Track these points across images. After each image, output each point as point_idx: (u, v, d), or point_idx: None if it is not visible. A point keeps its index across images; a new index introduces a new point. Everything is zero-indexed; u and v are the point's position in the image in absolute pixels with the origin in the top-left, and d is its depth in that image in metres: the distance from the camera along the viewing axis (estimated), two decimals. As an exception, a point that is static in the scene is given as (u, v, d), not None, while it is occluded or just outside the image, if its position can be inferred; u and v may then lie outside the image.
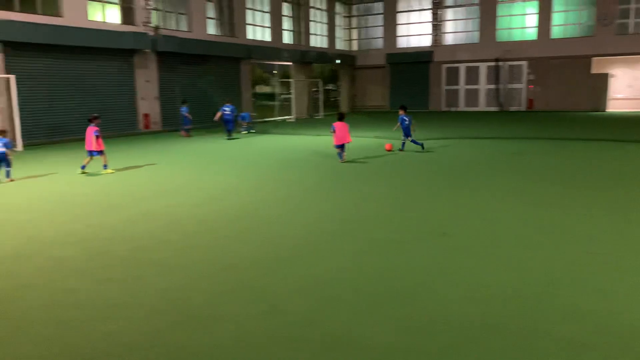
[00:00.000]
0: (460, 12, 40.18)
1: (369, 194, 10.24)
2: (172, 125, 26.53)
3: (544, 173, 12.15)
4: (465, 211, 8.63)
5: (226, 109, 22.02)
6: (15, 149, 18.45)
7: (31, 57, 20.76)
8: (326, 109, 37.25)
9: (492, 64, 38.55)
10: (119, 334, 4.47)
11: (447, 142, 18.92)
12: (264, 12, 33.87)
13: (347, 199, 9.83)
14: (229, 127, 22.05)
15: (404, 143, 16.68)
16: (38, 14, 20.93)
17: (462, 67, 39.82)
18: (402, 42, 42.33)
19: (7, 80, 19.20)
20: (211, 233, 7.57)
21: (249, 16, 32.53)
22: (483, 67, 39.14)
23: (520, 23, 38.07)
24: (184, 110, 22.96)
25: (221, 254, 6.62)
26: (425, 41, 41.33)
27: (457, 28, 40.39)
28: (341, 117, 14.63)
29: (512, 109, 38.30)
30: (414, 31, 41.82)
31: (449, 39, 40.74)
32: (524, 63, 37.77)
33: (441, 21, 40.52)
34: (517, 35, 38.10)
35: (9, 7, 20.03)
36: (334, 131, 14.26)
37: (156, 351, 4.18)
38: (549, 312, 4.75)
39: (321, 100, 37.11)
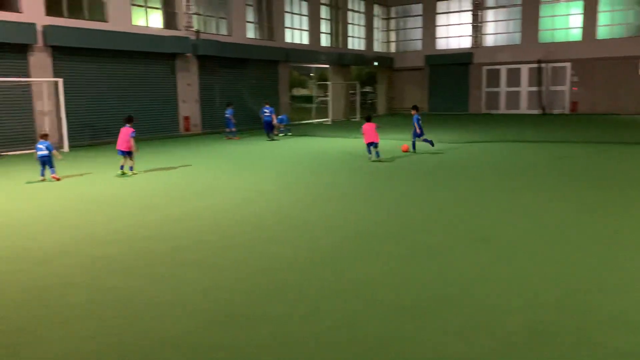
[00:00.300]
0: (501, 13, 39.43)
1: (409, 196, 10.12)
2: (211, 127, 26.96)
3: (590, 178, 11.77)
4: (510, 215, 8.43)
5: (266, 110, 22.53)
6: (61, 150, 19.12)
7: (78, 61, 21.44)
8: (363, 112, 37.14)
9: (534, 65, 37.64)
10: (160, 332, 4.53)
11: (488, 145, 18.56)
12: (302, 15, 34.05)
13: (386, 201, 9.74)
14: (268, 128, 22.49)
15: (414, 143, 17.02)
16: (85, 20, 21.61)
17: (503, 69, 39.05)
18: (441, 44, 41.83)
19: (55, 84, 19.88)
20: (249, 234, 7.62)
21: (287, 19, 32.76)
22: (525, 69, 38.28)
23: (564, 24, 37.06)
24: (229, 112, 23.12)
25: (259, 255, 6.65)
26: (465, 43, 40.71)
27: (498, 29, 39.64)
28: (368, 119, 15.49)
29: (555, 111, 37.29)
30: (454, 33, 41.27)
31: (489, 41, 40.02)
32: (567, 64, 36.74)
33: (481, 22, 39.85)
34: (561, 36, 37.10)
35: (58, 13, 20.76)
36: (363, 132, 15.26)
37: (197, 349, 4.22)
38: (596, 321, 4.58)
39: (358, 103, 37.02)
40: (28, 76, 19.69)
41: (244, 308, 5.01)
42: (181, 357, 4.12)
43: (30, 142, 19.59)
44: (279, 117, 24.77)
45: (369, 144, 15.18)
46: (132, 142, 13.33)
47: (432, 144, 17.04)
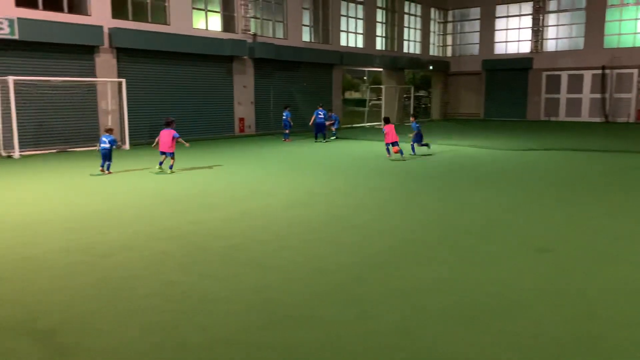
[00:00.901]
0: (564, 17, 38.13)
1: (463, 202, 9.97)
2: (264, 129, 27.42)
3: (656, 190, 11.23)
4: (570, 226, 8.16)
5: (320, 113, 22.84)
6: (123, 147, 19.94)
7: (140, 62, 22.31)
8: (417, 116, 36.79)
9: (598, 71, 36.19)
10: (216, 328, 4.67)
11: (547, 153, 18.00)
12: (357, 18, 34.09)
13: (442, 207, 9.64)
14: (321, 130, 22.81)
15: (413, 146, 17.86)
16: (148, 23, 22.46)
17: (564, 74, 37.74)
18: (500, 48, 40.87)
19: (119, 84, 20.75)
20: (302, 236, 7.72)
21: (343, 23, 32.88)
22: (588, 75, 36.86)
23: (632, 28, 35.41)
24: (287, 115, 23.28)
25: (312, 256, 6.72)
26: (525, 47, 39.62)
27: (560, 34, 38.35)
28: (387, 121, 17.17)
29: (619, 120, 35.71)
30: (513, 37, 40.23)
31: (550, 45, 38.79)
32: (634, 71, 35.11)
33: (542, 26, 38.66)
34: (628, 42, 35.47)
35: (123, 16, 21.67)
36: (385, 133, 16.60)
37: (249, 347, 4.33)
38: (663, 341, 4.38)
39: (412, 107, 36.68)
40: (94, 76, 20.64)
41: (295, 309, 5.09)
42: (236, 354, 4.23)
43: (94, 140, 20.52)
44: (332, 114, 24.88)
45: (390, 144, 16.49)
46: (174, 143, 13.89)
47: (429, 147, 18.32)
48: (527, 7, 39.21)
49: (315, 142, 22.60)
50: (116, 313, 5.01)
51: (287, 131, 23.28)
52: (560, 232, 7.89)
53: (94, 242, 7.37)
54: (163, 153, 14.04)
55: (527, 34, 39.44)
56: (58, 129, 19.73)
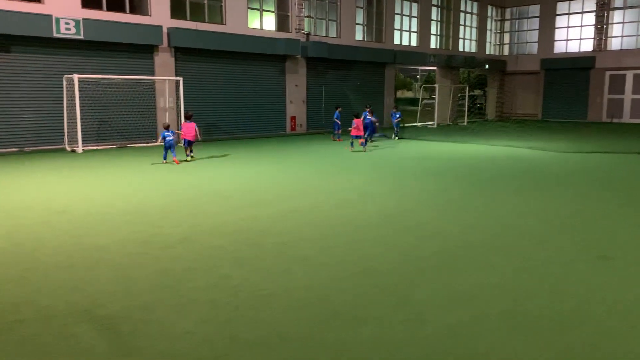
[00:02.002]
0: (630, 14, 36.36)
1: (521, 206, 9.68)
2: (315, 128, 27.56)
3: None
4: (635, 234, 7.78)
5: (367, 114, 22.63)
6: (178, 144, 20.49)
7: (197, 61, 22.88)
8: (471, 116, 36.01)
9: (667, 71, 34.34)
10: (268, 323, 4.73)
11: (610, 157, 17.24)
12: (412, 17, 33.70)
13: (496, 210, 9.40)
14: (373, 131, 22.82)
15: (366, 140, 19.48)
16: (205, 22, 22.99)
17: (630, 74, 35.99)
18: (560, 47, 39.41)
19: (176, 82, 21.35)
20: (352, 235, 7.70)
21: (397, 21, 32.58)
22: (655, 75, 35.03)
23: None
24: (337, 115, 23.13)
25: (362, 256, 6.70)
26: (587, 46, 38.05)
27: (625, 32, 36.61)
28: (356, 116, 18.74)
29: (690, 122, 33.77)
30: (574, 35, 38.72)
31: (614, 44, 37.09)
32: None
33: (607, 24, 37.01)
34: (701, 39, 33.49)
35: (181, 16, 22.28)
36: (354, 127, 18.26)
37: (301, 343, 4.36)
38: None
39: (466, 107, 35.95)
40: (153, 75, 21.33)
41: (346, 307, 5.09)
42: (287, 350, 4.27)
43: (152, 136, 21.23)
44: (392, 112, 24.57)
45: (355, 137, 18.29)
46: (196, 132, 15.85)
47: (386, 137, 20.89)
48: (591, 4, 37.62)
49: (371, 141, 22.67)
50: (172, 304, 5.16)
51: (338, 131, 23.20)
52: (621, 239, 7.53)
53: (152, 235, 7.62)
54: (188, 143, 15.88)
55: (590, 31, 37.86)
56: (118, 125, 20.51)
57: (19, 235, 7.60)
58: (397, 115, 24.09)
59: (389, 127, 25.27)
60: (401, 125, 25.29)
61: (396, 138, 23.59)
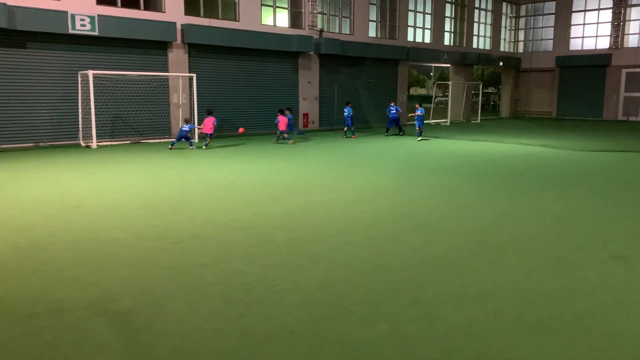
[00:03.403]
0: (648, 10, 35.82)
1: (535, 204, 9.58)
2: (328, 124, 27.53)
3: None
4: (648, 233, 7.67)
5: (392, 109, 23.29)
6: (191, 139, 20.57)
7: (210, 57, 22.95)
8: (484, 113, 35.74)
9: (685, 68, 33.81)
10: (280, 318, 4.73)
11: (625, 156, 17.01)
12: (425, 13, 33.49)
13: (510, 208, 9.31)
14: (397, 125, 23.83)
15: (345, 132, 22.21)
16: (218, 19, 23.04)
17: (647, 72, 35.51)
18: (575, 44, 38.95)
19: (190, 79, 21.42)
20: (365, 232, 7.68)
21: (410, 18, 32.41)
22: (673, 73, 34.51)
23: None
24: (348, 110, 23.04)
25: (375, 253, 6.67)
26: (603, 43, 37.56)
27: (643, 28, 36.09)
28: (282, 112, 20.43)
29: None
30: (590, 32, 38.23)
31: (632, 41, 36.56)
32: None
33: (624, 21, 36.49)
34: None
35: (195, 12, 22.34)
36: (279, 121, 20.09)
37: (313, 339, 4.35)
38: None
39: (479, 104, 35.69)
40: (167, 71, 21.42)
41: (359, 304, 5.07)
42: (300, 345, 4.26)
43: (165, 132, 21.34)
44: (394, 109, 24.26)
45: (281, 132, 19.99)
46: (214, 126, 18.45)
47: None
48: (607, 1, 37.13)
49: (386, 135, 23.60)
50: (185, 299, 5.17)
51: (350, 127, 23.10)
52: (636, 238, 7.43)
53: (165, 230, 7.65)
54: (207, 134, 18.33)
55: (606, 29, 37.37)
56: (132, 121, 20.64)
57: (35, 230, 7.67)
58: (421, 112, 22.55)
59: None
60: (401, 124, 25.01)
61: (418, 138, 21.86)
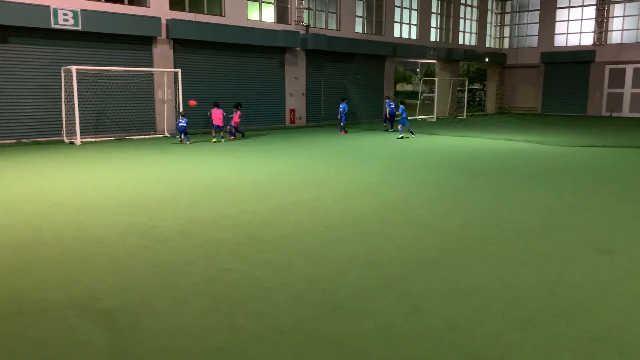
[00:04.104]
0: (631, 7, 36.22)
1: (520, 200, 9.64)
2: (314, 120, 27.49)
3: None
4: (635, 227, 7.76)
5: (392, 104, 24.19)
6: (177, 137, 20.42)
7: (195, 53, 22.76)
8: (470, 109, 35.94)
9: (667, 65, 34.25)
10: (269, 316, 4.70)
11: (609, 151, 17.21)
12: (412, 9, 33.53)
13: (495, 203, 9.36)
14: (390, 120, 24.27)
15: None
16: (204, 14, 22.85)
17: (630, 68, 35.93)
18: (560, 40, 39.29)
19: (175, 74, 21.23)
20: (354, 228, 7.67)
21: (397, 14, 32.43)
22: (655, 69, 34.95)
23: None
24: (343, 107, 23.04)
25: (364, 249, 6.66)
26: (587, 40, 37.94)
27: (626, 25, 36.49)
28: (217, 105, 19.44)
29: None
30: (574, 29, 38.59)
31: (615, 38, 36.98)
32: None
33: (607, 18, 36.87)
34: (701, 33, 33.37)
35: (180, 7, 22.13)
36: (211, 114, 19.21)
37: (302, 337, 4.33)
38: None
39: (465, 100, 35.86)
40: (151, 66, 21.20)
41: (347, 300, 5.06)
42: (289, 343, 4.24)
43: (150, 128, 21.14)
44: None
45: (216, 126, 19.14)
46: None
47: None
48: (591, -3, 37.50)
49: (385, 130, 24.18)
50: (172, 297, 5.12)
51: (343, 123, 23.13)
52: (622, 233, 7.51)
53: (151, 227, 7.57)
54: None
55: (590, 25, 37.74)
56: (117, 117, 20.41)
57: (17, 228, 7.55)
58: (400, 110, 22.35)
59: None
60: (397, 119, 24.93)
61: (412, 135, 21.58)
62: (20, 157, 14.77)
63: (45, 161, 14.10)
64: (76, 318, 4.66)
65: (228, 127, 20.11)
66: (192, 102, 19.60)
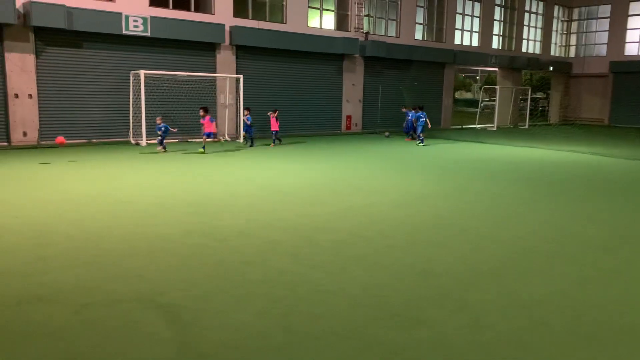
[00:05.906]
0: None
1: (586, 213, 9.29)
2: (370, 127, 27.45)
3: None
4: None
5: (421, 116, 22.10)
6: (237, 140, 20.92)
7: (257, 59, 23.26)
8: (533, 119, 34.82)
9: None
10: (323, 319, 4.76)
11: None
12: (474, 16, 32.94)
13: (558, 216, 9.06)
14: (411, 129, 23.10)
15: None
16: (266, 21, 23.33)
17: None
18: (631, 49, 37.47)
19: (237, 80, 21.76)
20: (408, 236, 7.63)
21: (458, 21, 31.95)
22: None
23: None
24: (412, 115, 22.52)
25: (419, 258, 6.62)
26: (661, 48, 36.00)
27: None
28: (207, 110, 17.83)
29: None
30: (648, 37, 36.70)
31: (692, 46, 34.91)
32: None
33: (684, 25, 34.86)
34: None
35: (243, 15, 22.70)
36: (204, 122, 17.80)
37: (357, 341, 4.36)
38: None
39: (528, 109, 34.83)
40: (215, 72, 21.83)
41: (403, 308, 5.05)
42: (344, 347, 4.28)
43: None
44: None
45: (206, 134, 17.71)
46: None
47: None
48: (667, 4, 35.60)
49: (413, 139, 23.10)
50: (231, 295, 5.27)
51: (408, 131, 23.08)
52: (699, 252, 7.10)
53: (212, 227, 7.81)
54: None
55: (666, 33, 35.80)
56: (181, 120, 21.11)
57: (87, 223, 7.97)
58: (422, 116, 21.61)
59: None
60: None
61: (420, 143, 21.20)
62: (89, 156, 15.55)
63: (112, 161, 14.79)
64: (142, 311, 4.88)
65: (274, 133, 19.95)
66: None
